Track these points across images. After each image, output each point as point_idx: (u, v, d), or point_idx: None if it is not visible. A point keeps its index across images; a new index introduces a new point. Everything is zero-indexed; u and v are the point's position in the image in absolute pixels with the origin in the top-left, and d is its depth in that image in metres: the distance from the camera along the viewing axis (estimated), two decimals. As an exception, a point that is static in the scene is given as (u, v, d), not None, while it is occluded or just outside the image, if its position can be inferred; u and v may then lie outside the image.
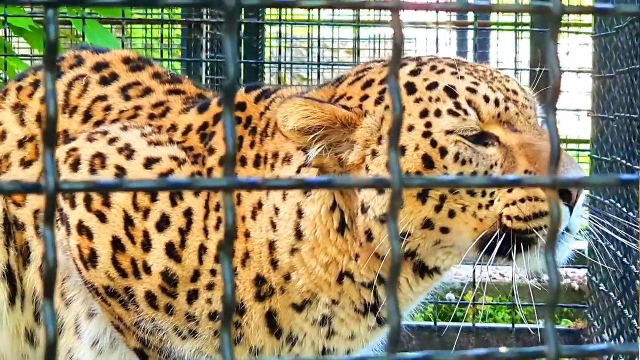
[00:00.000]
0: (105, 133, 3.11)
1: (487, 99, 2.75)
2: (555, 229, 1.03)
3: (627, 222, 3.61)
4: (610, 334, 4.95)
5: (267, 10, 8.14)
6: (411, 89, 2.79)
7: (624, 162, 4.79)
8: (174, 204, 2.99)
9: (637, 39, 4.62)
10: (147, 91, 3.28)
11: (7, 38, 5.81)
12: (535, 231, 2.67)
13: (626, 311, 4.63)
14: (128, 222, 3.00)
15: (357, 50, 6.93)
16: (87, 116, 3.26)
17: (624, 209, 4.70)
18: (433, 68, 2.82)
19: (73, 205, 3.05)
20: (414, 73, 2.82)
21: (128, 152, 3.04)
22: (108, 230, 3.02)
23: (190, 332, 3.03)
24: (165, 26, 7.60)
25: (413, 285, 2.95)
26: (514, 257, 2.70)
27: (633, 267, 4.53)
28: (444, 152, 2.72)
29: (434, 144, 2.73)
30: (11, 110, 3.34)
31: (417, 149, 2.74)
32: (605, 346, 0.98)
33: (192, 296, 2.99)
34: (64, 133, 3.22)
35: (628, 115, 4.76)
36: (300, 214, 2.90)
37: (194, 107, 3.19)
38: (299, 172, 2.91)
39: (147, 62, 3.43)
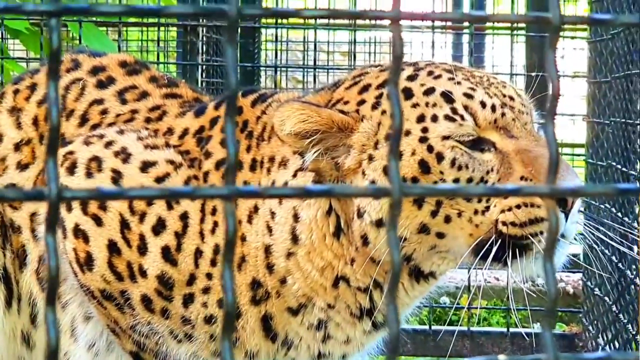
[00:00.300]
0: (101, 136, 3.11)
1: (483, 104, 2.76)
2: (554, 237, 1.03)
3: (621, 227, 3.61)
4: (605, 338, 4.96)
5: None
6: (408, 93, 2.79)
7: (619, 167, 4.80)
8: (169, 207, 2.99)
9: (632, 44, 4.63)
10: (144, 95, 3.28)
11: (3, 40, 5.81)
12: (531, 237, 2.67)
13: (621, 316, 4.64)
14: (124, 225, 3.00)
15: (352, 54, 6.94)
16: (84, 119, 3.26)
17: (619, 214, 4.71)
18: (430, 73, 2.83)
19: (69, 209, 3.05)
20: (411, 78, 2.82)
21: (124, 155, 3.04)
22: (104, 234, 3.02)
23: (186, 335, 3.03)
24: (161, 28, 7.58)
25: (408, 290, 2.95)
26: (509, 263, 2.70)
27: (628, 272, 4.54)
28: (440, 157, 2.73)
29: (430, 149, 2.73)
30: (8, 113, 3.34)
31: (413, 154, 2.74)
32: (602, 354, 0.99)
33: (188, 299, 2.99)
34: (60, 136, 3.22)
35: (623, 120, 4.77)
36: (296, 217, 2.90)
37: (190, 110, 3.19)
38: (295, 176, 2.91)
39: (143, 65, 3.43)
